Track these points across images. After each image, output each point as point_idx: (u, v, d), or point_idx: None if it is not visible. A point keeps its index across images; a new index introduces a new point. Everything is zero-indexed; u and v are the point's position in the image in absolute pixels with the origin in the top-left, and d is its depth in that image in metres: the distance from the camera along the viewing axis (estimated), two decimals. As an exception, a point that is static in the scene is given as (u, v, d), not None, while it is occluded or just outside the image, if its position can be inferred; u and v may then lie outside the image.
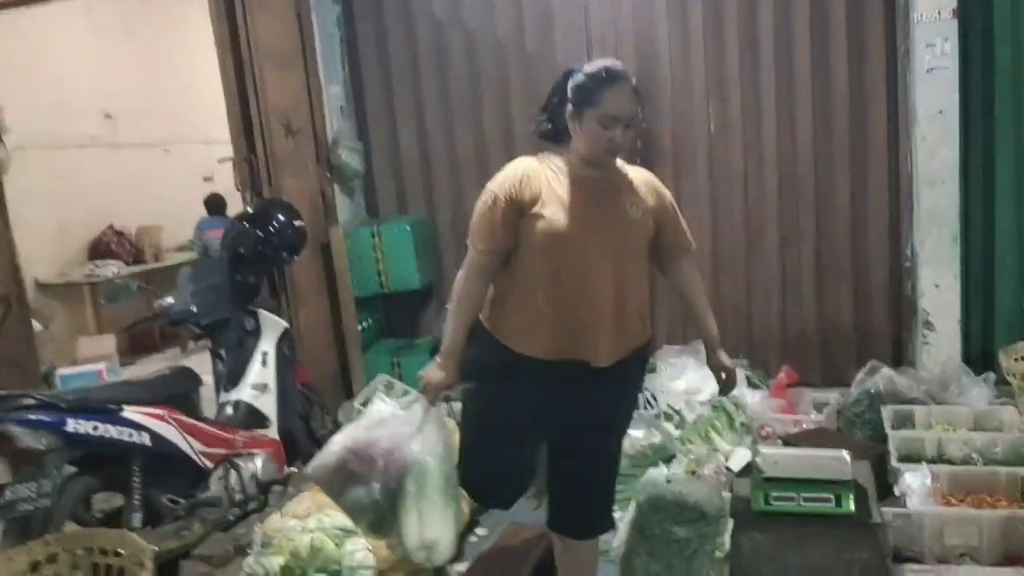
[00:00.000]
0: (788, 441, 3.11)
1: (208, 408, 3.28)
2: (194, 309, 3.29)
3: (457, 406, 2.38)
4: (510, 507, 2.38)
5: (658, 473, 2.71)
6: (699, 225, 4.26)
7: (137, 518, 2.69)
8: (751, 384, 3.77)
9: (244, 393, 3.34)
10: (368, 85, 4.78)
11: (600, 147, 2.05)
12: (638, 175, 2.21)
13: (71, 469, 2.64)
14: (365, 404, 3.99)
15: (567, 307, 2.06)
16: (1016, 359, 3.40)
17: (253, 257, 3.46)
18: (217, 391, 3.40)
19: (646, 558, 2.47)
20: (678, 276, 2.30)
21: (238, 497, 3.08)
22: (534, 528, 2.72)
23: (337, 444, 2.22)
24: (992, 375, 3.54)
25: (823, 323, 4.20)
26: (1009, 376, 3.33)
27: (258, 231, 3.48)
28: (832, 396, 3.71)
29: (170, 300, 3.33)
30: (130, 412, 2.71)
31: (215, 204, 6.89)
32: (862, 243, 4.13)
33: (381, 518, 2.15)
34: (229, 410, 3.30)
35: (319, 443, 3.71)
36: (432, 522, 2.13)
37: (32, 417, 2.50)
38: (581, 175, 2.10)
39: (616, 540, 2.60)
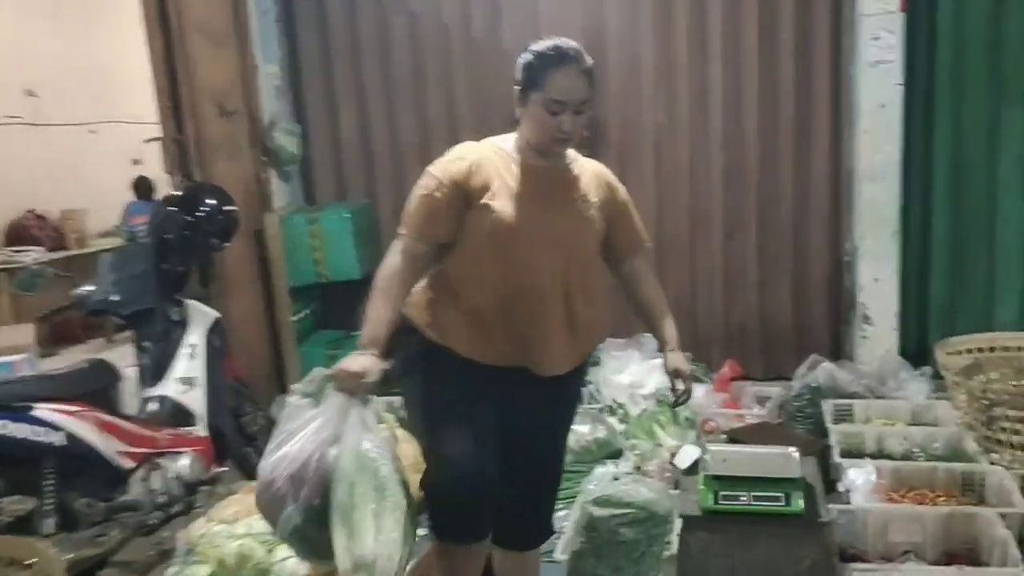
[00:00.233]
0: (732, 436, 3.08)
1: (131, 404, 3.11)
2: (115, 298, 3.12)
3: (377, 407, 2.16)
4: (487, 535, 2.04)
5: (605, 472, 2.65)
6: (644, 215, 4.06)
7: (50, 524, 2.52)
8: (695, 378, 3.73)
9: (170, 388, 3.16)
10: (306, 66, 4.60)
11: (547, 135, 1.89)
12: (590, 168, 2.06)
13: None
14: (301, 399, 3.86)
15: (514, 311, 1.92)
16: (950, 354, 3.43)
17: (181, 244, 3.29)
18: (141, 386, 3.22)
19: (594, 561, 2.40)
20: (632, 276, 2.15)
21: (161, 499, 2.93)
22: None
23: (262, 466, 1.93)
24: (929, 369, 3.58)
25: (765, 316, 4.21)
26: (944, 371, 3.35)
27: (186, 216, 3.31)
28: (774, 390, 3.71)
29: (89, 288, 3.14)
30: (42, 409, 2.53)
31: (144, 188, 6.61)
32: (804, 237, 4.15)
33: (311, 543, 1.87)
34: (153, 406, 3.12)
35: (251, 440, 3.58)
36: (365, 537, 1.78)
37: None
38: (531, 165, 1.95)
39: (562, 541, 2.52)
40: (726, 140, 4.17)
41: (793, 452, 2.39)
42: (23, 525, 2.52)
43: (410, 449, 2.26)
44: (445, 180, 1.90)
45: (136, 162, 7.10)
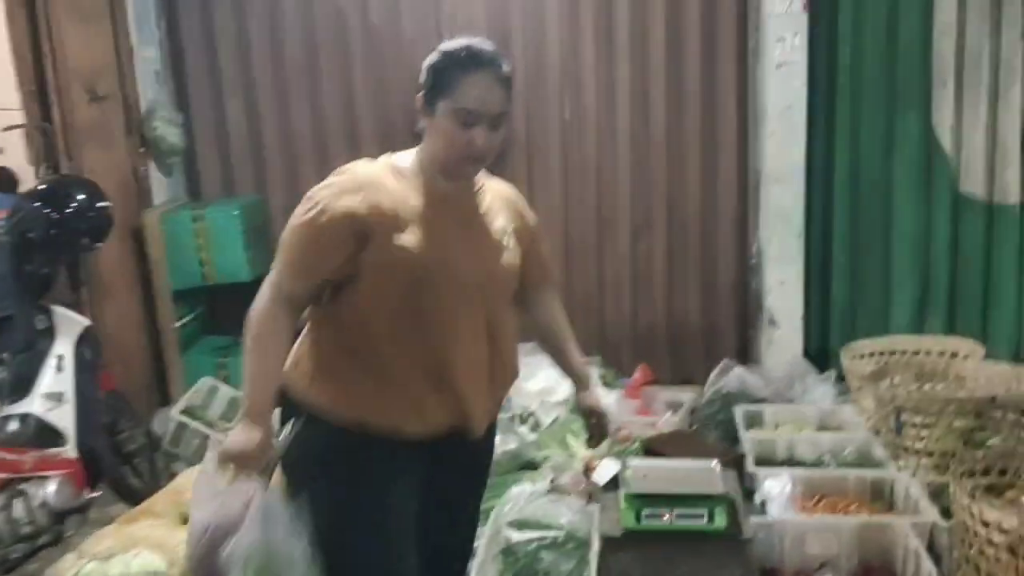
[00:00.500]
0: (648, 446, 3.01)
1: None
2: (-33, 305, 2.77)
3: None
4: None
5: (521, 491, 2.51)
6: (551, 215, 4.10)
7: None
8: (605, 384, 3.66)
9: (34, 405, 2.86)
10: (189, 49, 4.25)
11: (456, 152, 1.58)
12: (501, 191, 1.81)
13: None
14: (185, 412, 3.57)
15: (443, 366, 1.60)
16: (854, 358, 3.47)
17: (45, 243, 2.96)
18: (0, 403, 2.88)
19: (511, 589, 2.26)
20: (540, 310, 1.92)
21: (26, 530, 2.64)
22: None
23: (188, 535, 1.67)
24: (833, 373, 3.61)
25: (673, 319, 4.16)
26: (849, 375, 3.39)
27: (52, 212, 2.98)
28: (685, 396, 3.67)
29: (-66, 293, 2.78)
30: None
31: (6, 180, 6.04)
32: (712, 238, 4.12)
33: None
34: (14, 425, 2.81)
35: (128, 460, 3.27)
36: None
37: None
38: (439, 190, 1.64)
39: (475, 567, 2.37)
40: (633, 139, 4.10)
41: (715, 466, 2.33)
42: None
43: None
44: (334, 209, 1.55)
45: (-1, 151, 6.49)
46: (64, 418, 2.91)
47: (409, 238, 1.56)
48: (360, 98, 4.18)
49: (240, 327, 1.62)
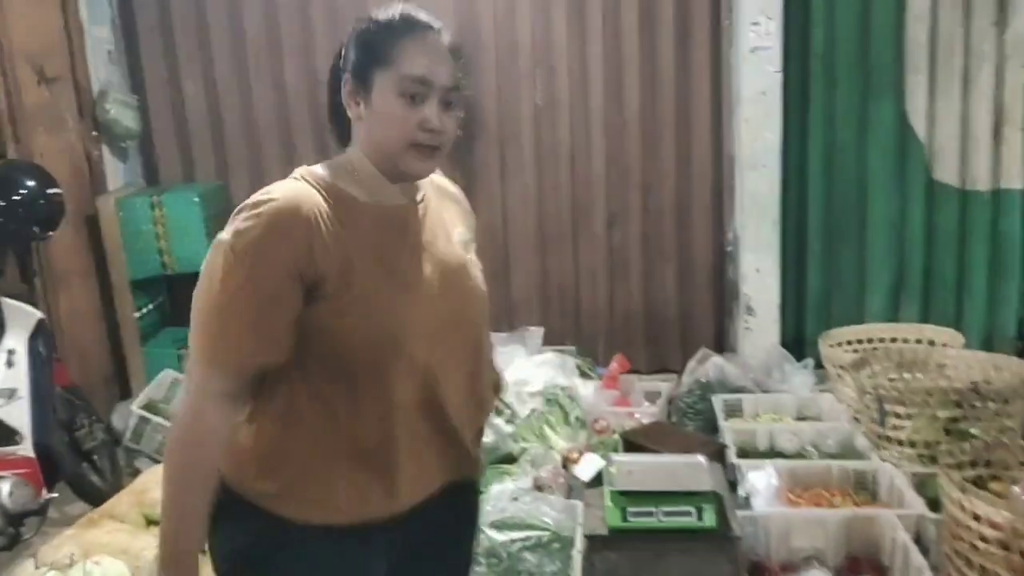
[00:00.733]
0: (627, 438, 2.94)
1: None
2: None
3: None
4: None
5: (502, 490, 2.43)
6: (525, 202, 4.02)
7: None
8: (582, 374, 3.59)
9: (-16, 402, 2.71)
10: (143, 27, 4.06)
11: (406, 136, 1.23)
12: (444, 187, 1.47)
13: None
14: (146, 406, 3.43)
15: (419, 431, 1.29)
16: (832, 346, 3.45)
17: (-7, 233, 2.81)
18: (-52, 401, 2.74)
19: (496, 592, 2.18)
20: None
21: None
22: None
23: None
24: (811, 361, 3.59)
25: (649, 307, 4.10)
26: (828, 364, 3.36)
27: (-1, 200, 2.82)
28: (663, 386, 3.62)
29: None
30: None
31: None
32: (687, 225, 4.06)
33: None
34: (-36, 425, 2.67)
35: (87, 457, 3.13)
36: None
37: None
38: (387, 208, 1.28)
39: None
40: (607, 125, 4.01)
41: (701, 461, 2.27)
42: None
43: None
44: (268, 257, 1.16)
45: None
46: (18, 416, 2.79)
47: (363, 286, 1.21)
48: (325, 78, 4.01)
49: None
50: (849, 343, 3.49)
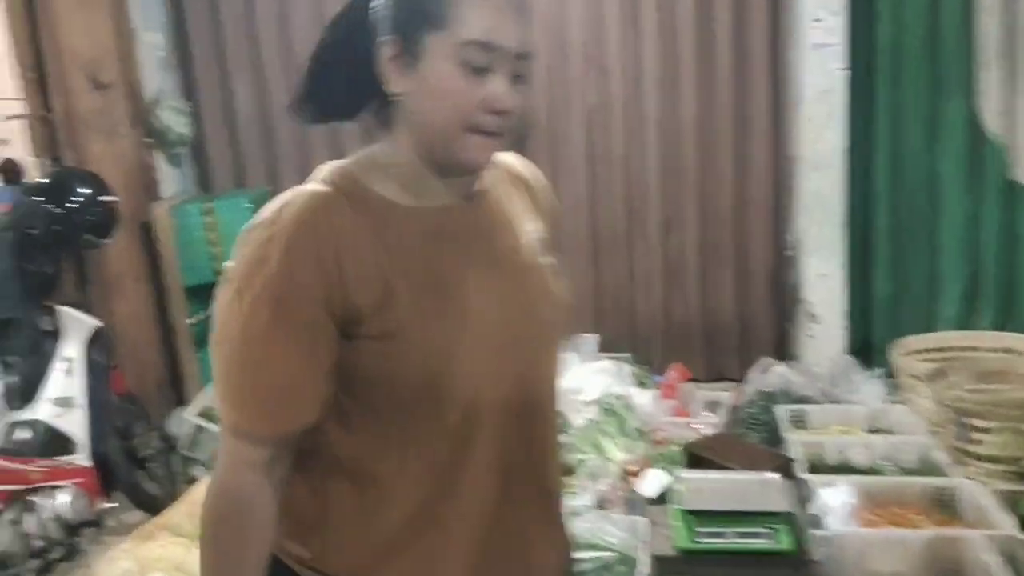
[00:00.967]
0: (691, 450, 2.83)
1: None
2: (-34, 306, 2.63)
3: None
4: None
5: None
6: (577, 206, 3.93)
7: None
8: (639, 382, 3.48)
9: (42, 411, 2.74)
10: (195, 33, 4.07)
11: (464, 116, 0.97)
12: (511, 169, 1.18)
13: None
14: (201, 414, 3.41)
15: (476, 501, 1.04)
16: (905, 354, 3.29)
17: (47, 240, 2.82)
18: (6, 409, 2.75)
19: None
20: None
21: (37, 544, 2.52)
22: None
23: None
24: (881, 370, 3.43)
25: (706, 314, 3.99)
26: (900, 373, 3.21)
27: (54, 207, 2.83)
28: (723, 395, 3.49)
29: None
30: None
31: (12, 172, 5.92)
32: (744, 229, 3.94)
33: None
34: (23, 433, 2.69)
35: (143, 466, 3.12)
36: None
37: None
38: (438, 207, 1.03)
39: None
40: (662, 126, 3.91)
41: (775, 478, 2.16)
42: None
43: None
44: (295, 298, 0.94)
45: (3, 142, 6.35)
46: (75, 424, 2.80)
47: (412, 316, 0.96)
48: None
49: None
50: (923, 352, 3.33)
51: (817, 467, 2.80)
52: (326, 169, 1.03)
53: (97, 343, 2.96)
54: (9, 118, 3.78)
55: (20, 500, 2.55)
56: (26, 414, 2.72)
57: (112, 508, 2.86)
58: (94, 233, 3.01)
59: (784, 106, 3.82)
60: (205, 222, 3.73)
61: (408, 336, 0.96)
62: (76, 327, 2.92)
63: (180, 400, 3.74)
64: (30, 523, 2.54)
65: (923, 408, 2.96)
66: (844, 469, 2.80)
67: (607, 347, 3.84)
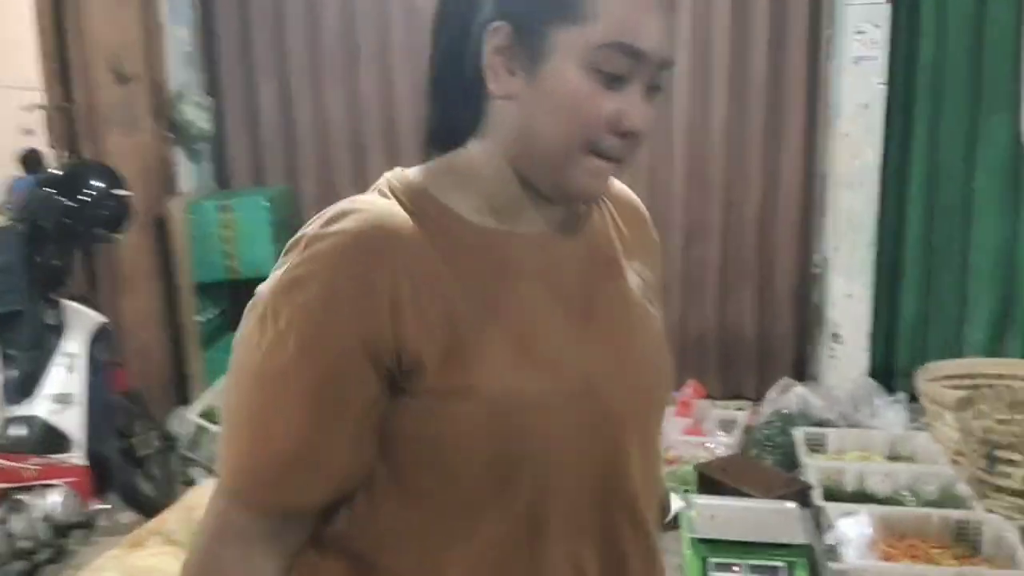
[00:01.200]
0: (702, 472, 2.73)
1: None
2: (-30, 296, 2.59)
3: None
4: None
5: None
6: (598, 216, 3.83)
7: None
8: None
9: (40, 407, 2.66)
10: (222, 30, 4.04)
11: (585, 135, 0.78)
12: (625, 200, 0.99)
13: None
14: (204, 413, 3.36)
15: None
16: (931, 380, 3.17)
17: (58, 232, 2.77)
18: (4, 403, 2.68)
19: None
20: None
21: (24, 545, 2.44)
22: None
23: None
24: (904, 395, 3.31)
25: (725, 330, 3.86)
26: (925, 399, 3.09)
27: (66, 200, 2.78)
28: (738, 414, 3.39)
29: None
30: None
31: (33, 162, 5.93)
32: (770, 245, 3.82)
33: None
34: (19, 429, 2.61)
35: (141, 466, 3.06)
36: None
37: None
38: (527, 234, 0.84)
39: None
40: (691, 135, 3.80)
41: (792, 507, 2.06)
42: None
43: None
44: (332, 334, 0.74)
45: (28, 132, 6.38)
46: (72, 422, 2.72)
47: (487, 367, 0.77)
48: (400, 85, 3.92)
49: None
50: (950, 378, 3.20)
51: (834, 493, 2.70)
52: (391, 176, 0.84)
53: (101, 340, 2.89)
54: (28, 108, 3.77)
55: (9, 499, 2.46)
56: (23, 409, 2.64)
57: (105, 509, 2.79)
58: (106, 227, 2.95)
59: (819, 120, 3.70)
60: (221, 219, 3.69)
61: (481, 394, 0.75)
62: (80, 322, 2.85)
63: (185, 399, 3.69)
64: (18, 523, 2.46)
65: (946, 436, 2.84)
66: (862, 497, 2.70)
67: (622, 360, 3.74)
